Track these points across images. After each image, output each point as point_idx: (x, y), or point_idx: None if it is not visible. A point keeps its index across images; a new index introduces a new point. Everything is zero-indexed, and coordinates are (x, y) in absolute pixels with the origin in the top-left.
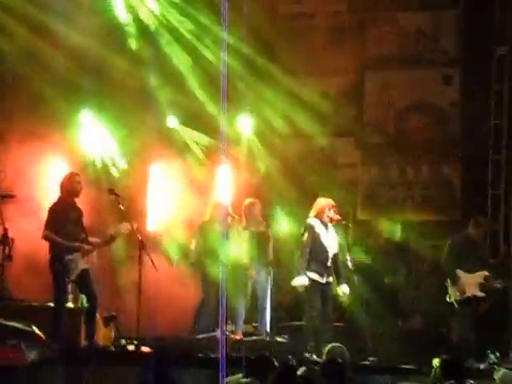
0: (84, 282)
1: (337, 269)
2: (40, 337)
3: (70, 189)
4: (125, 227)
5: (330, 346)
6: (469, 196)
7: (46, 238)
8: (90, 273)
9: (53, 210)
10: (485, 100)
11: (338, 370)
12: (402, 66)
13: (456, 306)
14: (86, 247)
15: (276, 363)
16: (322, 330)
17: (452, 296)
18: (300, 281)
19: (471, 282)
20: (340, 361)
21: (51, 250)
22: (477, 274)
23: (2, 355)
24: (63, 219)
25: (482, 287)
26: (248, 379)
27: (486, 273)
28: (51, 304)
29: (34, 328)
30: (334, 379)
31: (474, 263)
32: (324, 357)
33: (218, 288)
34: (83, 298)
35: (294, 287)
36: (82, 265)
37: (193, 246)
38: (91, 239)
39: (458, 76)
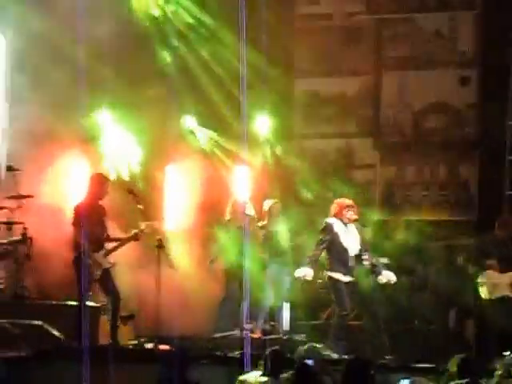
0: (106, 281)
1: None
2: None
3: (96, 191)
4: (149, 226)
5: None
6: (485, 196)
7: (76, 242)
8: (112, 272)
9: (77, 210)
10: (502, 101)
11: (362, 368)
12: (419, 67)
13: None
14: (109, 246)
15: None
16: (340, 328)
17: (484, 295)
18: (302, 272)
19: (502, 283)
20: (365, 359)
21: (75, 249)
22: (507, 274)
23: None
24: (86, 219)
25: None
26: (266, 378)
27: None
28: (70, 303)
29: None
30: (359, 377)
31: (502, 263)
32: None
33: (238, 287)
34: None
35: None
36: (105, 264)
37: (213, 245)
38: (114, 237)
39: (475, 77)
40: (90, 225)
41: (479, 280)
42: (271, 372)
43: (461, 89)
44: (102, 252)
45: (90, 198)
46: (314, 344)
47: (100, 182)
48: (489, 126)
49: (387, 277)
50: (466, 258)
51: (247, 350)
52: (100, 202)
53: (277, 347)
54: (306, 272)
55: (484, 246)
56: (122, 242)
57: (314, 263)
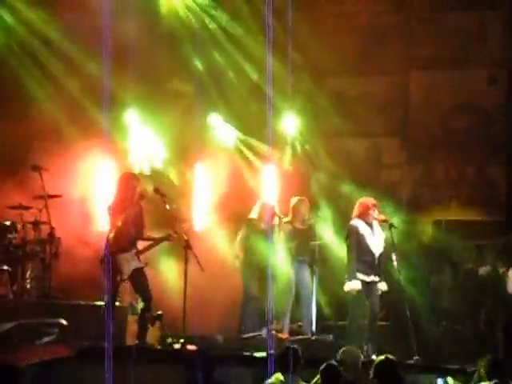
0: (137, 282)
1: (380, 266)
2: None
3: (126, 190)
4: (185, 226)
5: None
6: None
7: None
8: (144, 272)
9: (109, 210)
10: None
11: (391, 370)
12: (447, 67)
13: None
14: (141, 247)
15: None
16: (366, 329)
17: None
18: (352, 286)
19: None
20: (393, 359)
21: (104, 249)
22: None
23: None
24: (119, 218)
25: None
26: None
27: None
28: (97, 303)
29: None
30: (388, 378)
31: None
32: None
33: (259, 286)
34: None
35: (342, 288)
36: (135, 264)
37: (238, 239)
38: (149, 236)
39: (503, 77)
40: (122, 224)
41: (506, 280)
42: (289, 370)
43: (489, 89)
44: (133, 251)
45: (121, 197)
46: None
47: (129, 181)
48: None
49: (380, 286)
50: (494, 257)
51: (271, 350)
52: (135, 201)
53: (294, 346)
54: (354, 286)
55: (506, 245)
56: (154, 242)
57: (354, 273)
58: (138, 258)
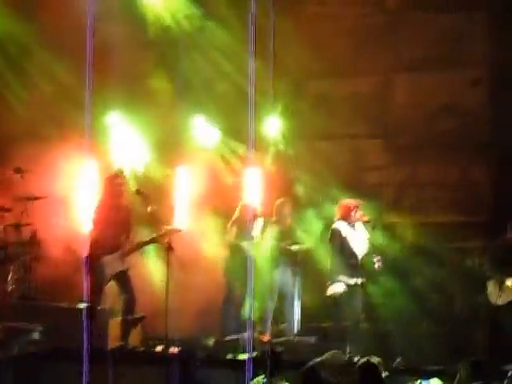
0: (121, 284)
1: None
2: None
3: (111, 192)
4: (169, 230)
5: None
6: (498, 198)
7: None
8: (128, 274)
9: (95, 211)
10: None
11: (373, 372)
12: (431, 68)
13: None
14: (128, 248)
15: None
16: (349, 331)
17: (497, 300)
18: (335, 289)
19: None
20: (376, 362)
21: (88, 250)
22: None
23: None
24: (103, 220)
25: None
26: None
27: None
28: (80, 305)
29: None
30: (370, 380)
31: None
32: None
33: (242, 287)
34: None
35: (325, 290)
36: (120, 266)
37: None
38: (135, 238)
39: (487, 78)
40: (107, 226)
41: (490, 283)
42: (272, 373)
43: (472, 90)
44: (118, 253)
45: (108, 199)
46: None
47: (112, 182)
48: (501, 127)
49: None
50: (480, 261)
51: (251, 352)
52: (122, 203)
53: (277, 348)
54: (338, 289)
55: (497, 250)
56: (139, 244)
57: (337, 276)
58: (124, 260)
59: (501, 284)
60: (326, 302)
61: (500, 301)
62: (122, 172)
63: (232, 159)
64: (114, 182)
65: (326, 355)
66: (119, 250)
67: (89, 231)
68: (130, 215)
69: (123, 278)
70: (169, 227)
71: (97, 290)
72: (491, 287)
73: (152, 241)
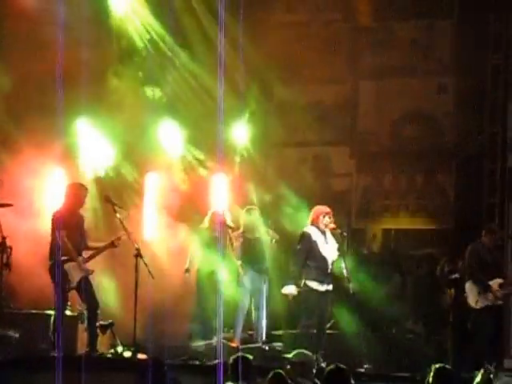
0: (84, 289)
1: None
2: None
3: (74, 200)
4: (126, 234)
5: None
6: (463, 205)
7: (54, 245)
8: (90, 280)
9: (55, 218)
10: (479, 109)
11: (341, 378)
12: (396, 75)
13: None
14: (86, 255)
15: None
16: (317, 337)
17: (476, 304)
18: (289, 289)
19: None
20: (345, 367)
21: (51, 258)
22: (492, 281)
23: None
24: (65, 227)
25: (499, 294)
26: None
27: (501, 280)
28: (48, 312)
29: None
30: None
31: (491, 270)
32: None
33: (212, 294)
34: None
35: (287, 295)
36: (82, 272)
37: (191, 253)
38: (92, 245)
39: (452, 85)
40: (68, 233)
41: (468, 287)
42: (238, 379)
43: (438, 97)
44: (80, 259)
45: (68, 206)
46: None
47: (77, 191)
48: (466, 134)
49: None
50: (448, 266)
51: (222, 359)
52: (79, 211)
53: (246, 354)
54: (291, 290)
55: (474, 254)
56: (99, 250)
57: (298, 278)
58: (85, 266)
59: (479, 288)
60: (293, 309)
61: (478, 304)
62: (83, 183)
63: (200, 166)
64: (77, 189)
65: (294, 354)
66: (80, 257)
67: (51, 238)
68: (84, 222)
69: (86, 284)
70: (125, 232)
71: (63, 297)
72: (469, 291)
73: (108, 247)
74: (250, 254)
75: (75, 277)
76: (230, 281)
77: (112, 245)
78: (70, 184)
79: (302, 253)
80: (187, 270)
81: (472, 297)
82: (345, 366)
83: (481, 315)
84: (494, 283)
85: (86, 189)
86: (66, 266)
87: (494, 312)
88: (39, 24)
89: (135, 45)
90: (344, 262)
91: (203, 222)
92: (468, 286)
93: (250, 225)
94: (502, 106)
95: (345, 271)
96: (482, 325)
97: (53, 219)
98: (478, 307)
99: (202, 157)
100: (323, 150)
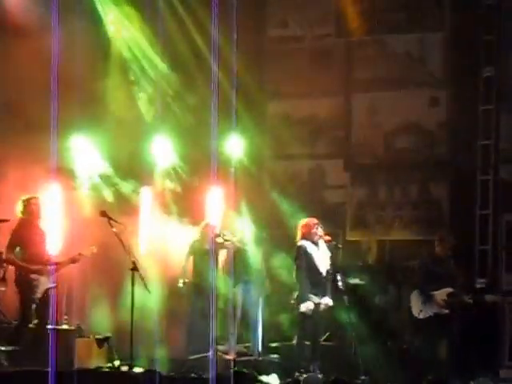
0: (48, 301)
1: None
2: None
3: (29, 211)
4: (89, 250)
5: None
6: (457, 216)
7: (7, 260)
8: (54, 291)
9: (15, 232)
10: (472, 121)
11: None
12: (389, 88)
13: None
14: (50, 268)
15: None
16: (312, 349)
17: (419, 314)
18: (306, 306)
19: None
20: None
21: (16, 271)
22: (440, 291)
23: None
24: (27, 241)
25: (445, 304)
26: None
27: (450, 289)
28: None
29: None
30: None
31: (442, 280)
32: None
33: (205, 306)
34: None
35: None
36: (47, 284)
37: (184, 267)
38: (55, 260)
39: (445, 97)
40: (31, 247)
41: (413, 297)
42: None
43: (431, 109)
44: (44, 272)
45: (28, 220)
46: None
47: (29, 203)
48: (459, 146)
49: (325, 301)
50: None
51: (214, 371)
52: (38, 225)
53: (243, 368)
54: (308, 306)
55: (425, 265)
56: (61, 264)
57: (308, 293)
58: (50, 278)
59: (424, 298)
60: (290, 321)
61: (421, 314)
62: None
63: (195, 180)
64: (31, 202)
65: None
66: (44, 269)
67: (17, 251)
68: (45, 236)
69: (49, 296)
70: (90, 247)
71: (27, 308)
72: (413, 301)
73: (71, 261)
74: (244, 264)
75: (40, 288)
76: (223, 294)
77: (72, 260)
78: (25, 198)
79: (304, 268)
80: (184, 283)
81: (415, 307)
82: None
83: (423, 325)
84: (441, 293)
85: (36, 198)
86: (31, 278)
87: (440, 322)
88: (33, 40)
89: (128, 63)
90: (338, 273)
91: (196, 233)
92: (413, 296)
93: (242, 237)
94: (495, 117)
95: (340, 283)
96: (424, 335)
97: (13, 234)
98: (421, 317)
99: (195, 170)
100: (317, 162)
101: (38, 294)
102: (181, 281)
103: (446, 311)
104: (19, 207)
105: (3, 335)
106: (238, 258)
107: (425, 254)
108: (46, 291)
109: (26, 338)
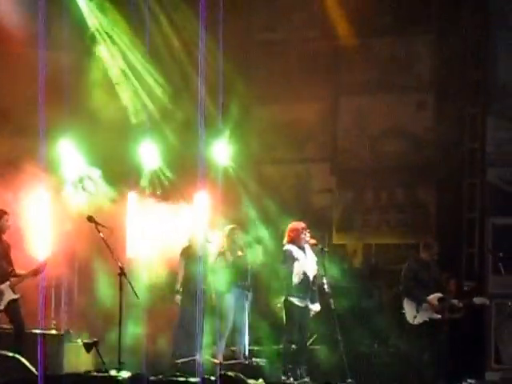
0: (12, 312)
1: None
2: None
3: None
4: (47, 261)
5: None
6: (444, 219)
7: None
8: (19, 302)
9: None
10: (459, 124)
11: None
12: (376, 92)
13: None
14: (13, 280)
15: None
16: (299, 352)
17: (413, 320)
18: (316, 308)
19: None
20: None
21: None
22: (431, 296)
23: None
24: None
25: (438, 309)
26: None
27: (440, 294)
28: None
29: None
30: None
31: (429, 285)
32: None
33: (193, 311)
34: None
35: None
36: (11, 295)
37: (180, 274)
38: (18, 272)
39: (432, 101)
40: None
41: (406, 303)
42: None
43: (418, 113)
44: (7, 284)
45: None
46: None
47: (2, 218)
48: (446, 150)
49: (314, 307)
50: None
51: (201, 375)
52: (3, 238)
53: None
54: (316, 308)
55: (411, 270)
56: (23, 276)
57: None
58: (14, 289)
59: (416, 304)
60: (276, 325)
61: (416, 320)
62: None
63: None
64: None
65: None
66: (7, 281)
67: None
68: (10, 248)
69: (14, 307)
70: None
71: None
72: (406, 307)
73: (31, 274)
74: (235, 270)
75: (2, 300)
76: (213, 298)
77: (35, 272)
78: None
79: (291, 272)
80: (177, 292)
81: (410, 313)
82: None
83: (417, 332)
84: (433, 298)
85: (6, 213)
86: None
87: (433, 327)
88: (22, 47)
89: (115, 68)
90: (325, 277)
91: (186, 240)
92: (405, 302)
93: (233, 243)
94: (482, 121)
95: (326, 286)
96: (418, 340)
97: None
98: (415, 323)
99: (181, 175)
100: (304, 166)
101: (1, 306)
102: (177, 289)
103: (439, 316)
104: None
105: None
106: (232, 264)
107: (412, 259)
108: (10, 302)
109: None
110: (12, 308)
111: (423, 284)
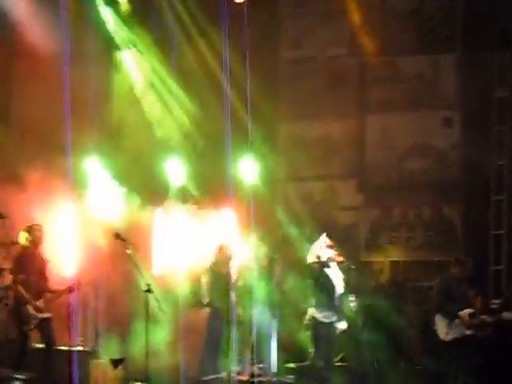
0: (44, 331)
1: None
2: None
3: (32, 239)
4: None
5: None
6: (470, 236)
7: (14, 287)
8: (50, 321)
9: (18, 261)
10: (485, 142)
11: None
12: (402, 109)
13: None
14: (48, 296)
15: None
16: (325, 369)
17: (445, 336)
18: (342, 326)
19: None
20: None
21: (14, 300)
22: (463, 312)
23: None
24: (28, 270)
25: (469, 325)
26: None
27: (471, 310)
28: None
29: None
30: None
31: (460, 301)
32: None
33: (221, 327)
34: None
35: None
36: (43, 314)
37: (204, 287)
38: (54, 289)
39: (458, 118)
40: (30, 274)
41: (438, 319)
42: None
43: (444, 130)
44: (40, 302)
45: (29, 248)
46: None
47: (33, 229)
48: (473, 167)
49: (340, 325)
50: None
51: None
52: (39, 253)
53: None
54: (343, 326)
55: (443, 285)
56: (57, 293)
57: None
58: (44, 308)
59: (449, 320)
60: (304, 342)
61: (448, 337)
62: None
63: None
64: (34, 229)
65: None
66: (40, 299)
67: (14, 279)
68: (46, 264)
69: (45, 326)
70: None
71: (23, 337)
72: (438, 323)
73: (67, 291)
74: (260, 288)
75: (34, 319)
76: (239, 315)
77: (69, 290)
78: (28, 225)
79: (316, 288)
80: (206, 305)
81: (442, 329)
82: None
83: (450, 348)
84: (465, 313)
85: (40, 225)
86: (27, 307)
87: (466, 343)
88: (47, 64)
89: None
90: (352, 294)
91: (212, 257)
92: (437, 318)
93: (258, 259)
94: (508, 138)
95: (353, 304)
96: (451, 358)
97: (15, 261)
98: (447, 339)
99: (209, 192)
100: (331, 183)
101: (31, 326)
102: (204, 301)
103: (470, 332)
104: (23, 234)
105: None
106: (253, 279)
107: (444, 275)
108: (41, 321)
109: (37, 364)
110: (44, 326)
111: (454, 300)
